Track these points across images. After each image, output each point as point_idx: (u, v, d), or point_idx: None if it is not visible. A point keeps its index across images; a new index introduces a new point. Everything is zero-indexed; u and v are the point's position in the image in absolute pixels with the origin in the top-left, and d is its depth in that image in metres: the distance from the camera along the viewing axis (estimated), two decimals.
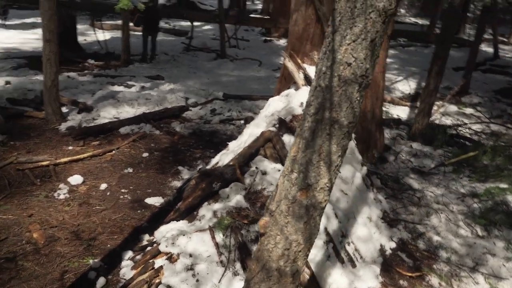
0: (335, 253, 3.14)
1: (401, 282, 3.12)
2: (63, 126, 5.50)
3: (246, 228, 2.95)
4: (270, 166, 3.41)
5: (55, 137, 5.19)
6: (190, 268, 2.75)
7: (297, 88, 4.09)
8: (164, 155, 4.89)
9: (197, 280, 2.69)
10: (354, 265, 3.18)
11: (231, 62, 10.53)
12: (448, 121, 6.65)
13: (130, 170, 4.46)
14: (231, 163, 3.57)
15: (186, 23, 14.66)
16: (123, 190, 4.06)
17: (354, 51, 1.05)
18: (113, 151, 4.85)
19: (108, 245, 3.30)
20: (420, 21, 20.63)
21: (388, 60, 12.07)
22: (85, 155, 4.65)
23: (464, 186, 4.45)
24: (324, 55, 1.12)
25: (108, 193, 3.99)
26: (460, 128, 6.03)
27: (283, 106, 3.98)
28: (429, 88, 5.47)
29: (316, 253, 3.08)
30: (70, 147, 4.89)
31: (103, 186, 4.08)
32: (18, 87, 7.07)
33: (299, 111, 3.86)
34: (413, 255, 3.42)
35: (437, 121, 6.31)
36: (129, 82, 7.80)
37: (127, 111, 6.19)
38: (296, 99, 3.93)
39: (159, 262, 2.80)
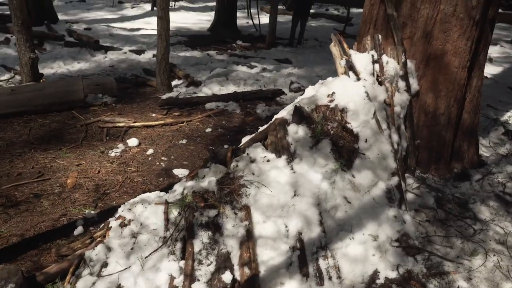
0: (300, 263, 2.75)
1: None
2: (165, 96, 6.09)
3: (200, 211, 2.83)
4: (261, 154, 3.16)
5: (151, 104, 5.80)
6: (134, 236, 2.81)
7: (336, 76, 3.63)
8: (225, 132, 4.97)
9: (132, 249, 2.74)
10: (321, 283, 2.73)
11: None
12: None
13: (184, 141, 4.68)
14: (241, 146, 3.47)
15: (355, 10, 14.18)
16: (163, 158, 4.32)
17: None
18: (184, 123, 5.16)
19: (114, 202, 3.60)
20: None
21: None
22: (157, 122, 5.08)
23: None
24: None
25: (149, 158, 4.31)
26: None
27: (312, 94, 3.59)
28: None
29: (273, 256, 2.76)
30: (154, 115, 5.40)
31: (150, 151, 4.42)
32: None
33: (324, 101, 3.44)
34: None
35: None
36: (253, 63, 8.06)
37: (229, 89, 6.44)
38: (326, 87, 3.50)
39: (113, 223, 2.94)
